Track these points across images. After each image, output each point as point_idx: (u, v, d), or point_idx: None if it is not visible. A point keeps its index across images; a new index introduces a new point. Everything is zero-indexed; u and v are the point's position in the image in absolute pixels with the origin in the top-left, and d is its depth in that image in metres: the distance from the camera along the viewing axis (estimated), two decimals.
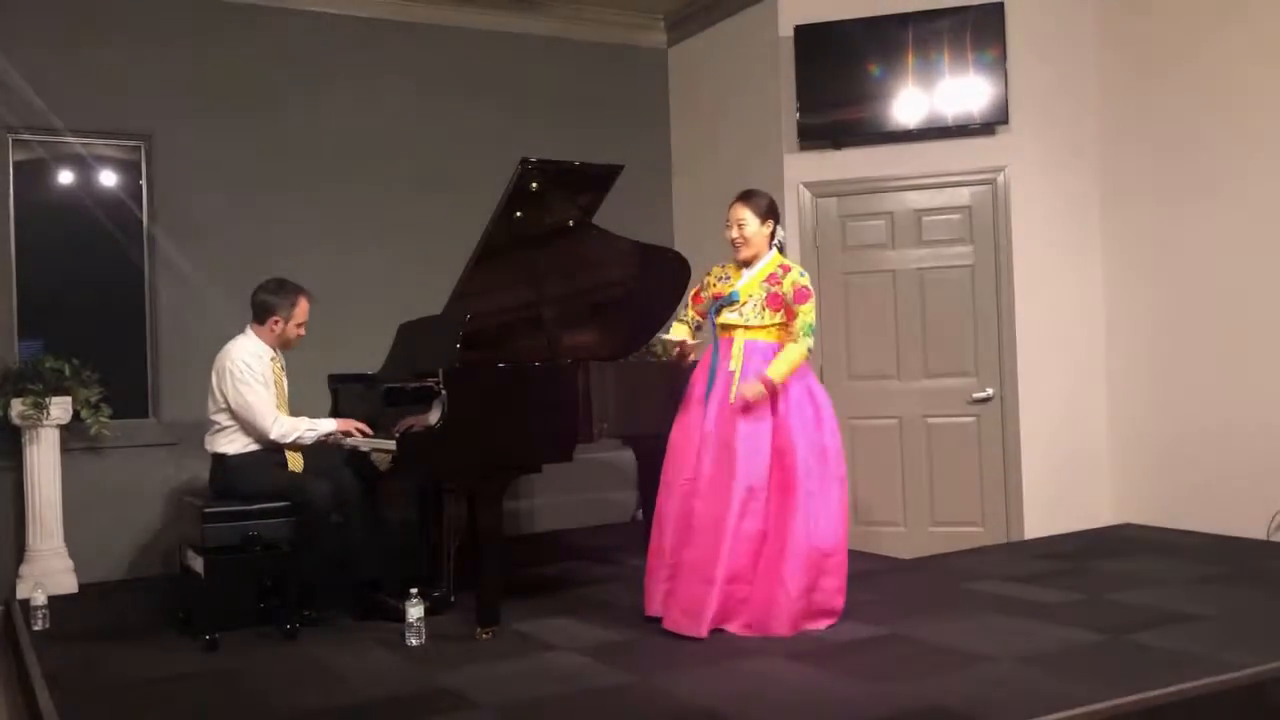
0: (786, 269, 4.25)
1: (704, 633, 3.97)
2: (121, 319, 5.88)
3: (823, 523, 4.07)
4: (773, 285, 4.21)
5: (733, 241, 4.28)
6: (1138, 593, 4.39)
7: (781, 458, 4.10)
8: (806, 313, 4.18)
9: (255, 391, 4.45)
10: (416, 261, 6.10)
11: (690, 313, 4.50)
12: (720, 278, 4.36)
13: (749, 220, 4.25)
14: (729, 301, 4.24)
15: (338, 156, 6.24)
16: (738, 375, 4.15)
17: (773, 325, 4.21)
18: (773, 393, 4.11)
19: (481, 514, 4.19)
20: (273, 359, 4.63)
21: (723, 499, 4.04)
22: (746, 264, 4.29)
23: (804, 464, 4.08)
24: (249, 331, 4.62)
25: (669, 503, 4.23)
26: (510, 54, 6.75)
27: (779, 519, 4.07)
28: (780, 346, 4.19)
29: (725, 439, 4.10)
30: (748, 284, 4.25)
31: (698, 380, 4.31)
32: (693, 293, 4.53)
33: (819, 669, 3.58)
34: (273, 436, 4.47)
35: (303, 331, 4.69)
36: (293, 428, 4.50)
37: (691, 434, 4.21)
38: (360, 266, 6.17)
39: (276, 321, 4.59)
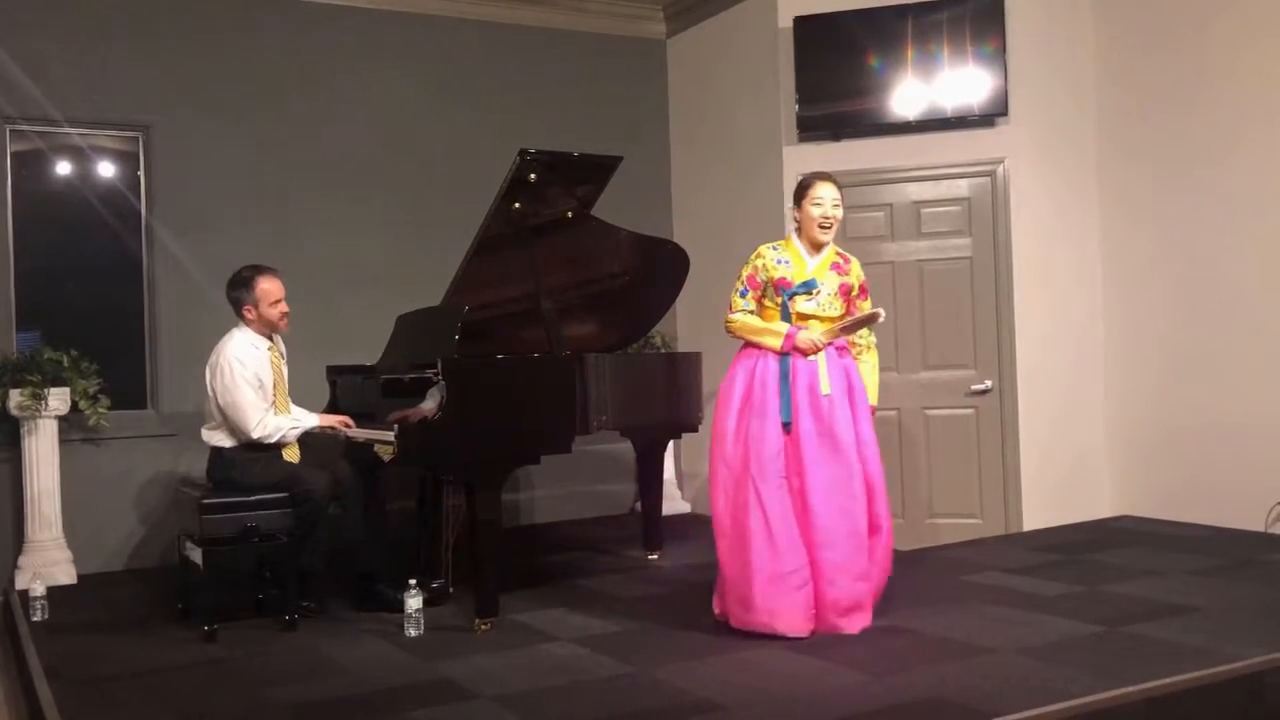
0: (846, 258, 4.07)
1: (857, 630, 3.86)
2: (120, 310, 5.88)
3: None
4: (840, 274, 4.00)
5: (824, 222, 3.94)
6: (1136, 584, 4.40)
7: (861, 448, 3.99)
8: (865, 309, 4.03)
9: (243, 392, 4.41)
10: (415, 252, 6.10)
11: (750, 298, 4.03)
12: (780, 260, 3.97)
13: (840, 202, 3.98)
14: (805, 289, 3.93)
15: (337, 148, 6.23)
16: (822, 368, 3.90)
17: (838, 315, 4.00)
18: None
19: (480, 505, 4.18)
20: (270, 349, 4.60)
21: (844, 492, 3.87)
22: (816, 248, 4.01)
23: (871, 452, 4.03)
24: (241, 326, 4.60)
25: (777, 507, 3.84)
26: (509, 45, 6.74)
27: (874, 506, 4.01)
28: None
29: (829, 431, 3.88)
30: (819, 270, 3.98)
31: (765, 373, 3.94)
32: (746, 275, 4.03)
33: (817, 659, 3.58)
34: (254, 437, 4.42)
35: (282, 308, 4.56)
36: (275, 428, 4.47)
37: (773, 430, 3.89)
38: (358, 257, 6.17)
39: (249, 309, 4.54)
